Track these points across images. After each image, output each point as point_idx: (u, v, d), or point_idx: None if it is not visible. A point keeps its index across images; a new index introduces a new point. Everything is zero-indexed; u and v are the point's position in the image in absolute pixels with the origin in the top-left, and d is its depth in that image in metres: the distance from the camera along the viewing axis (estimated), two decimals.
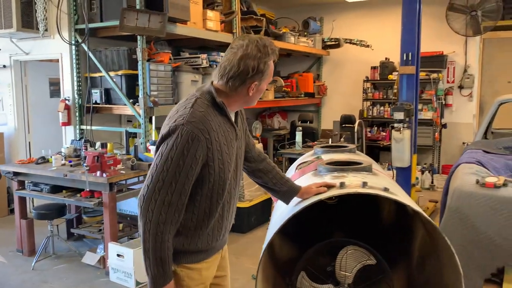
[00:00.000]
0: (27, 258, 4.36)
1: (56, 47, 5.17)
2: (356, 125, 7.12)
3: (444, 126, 7.50)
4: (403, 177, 5.29)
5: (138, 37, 4.54)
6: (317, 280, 2.45)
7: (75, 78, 5.11)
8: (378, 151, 8.20)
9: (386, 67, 7.63)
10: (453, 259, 2.07)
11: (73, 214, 4.83)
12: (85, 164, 3.76)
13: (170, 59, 5.12)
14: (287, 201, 2.22)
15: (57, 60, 5.28)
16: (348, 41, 8.04)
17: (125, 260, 3.72)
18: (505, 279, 2.90)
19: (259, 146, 5.62)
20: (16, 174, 4.35)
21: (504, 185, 2.96)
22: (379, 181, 2.36)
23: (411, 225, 2.72)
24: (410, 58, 5.11)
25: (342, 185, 2.15)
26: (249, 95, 1.78)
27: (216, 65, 5.80)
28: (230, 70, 1.73)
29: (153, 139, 4.78)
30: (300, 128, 5.75)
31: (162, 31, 4.52)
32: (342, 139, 5.83)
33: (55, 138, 5.56)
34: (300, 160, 3.46)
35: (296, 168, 3.03)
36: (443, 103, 7.48)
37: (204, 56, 5.42)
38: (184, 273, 1.82)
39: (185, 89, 5.25)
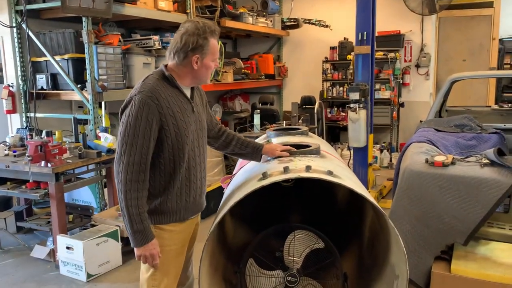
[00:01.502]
0: None
1: None
2: (316, 106, 7.10)
3: (402, 105, 7.58)
4: (360, 156, 5.33)
5: (83, 19, 4.30)
6: (267, 267, 2.41)
7: (18, 63, 4.82)
8: (338, 131, 8.24)
9: (345, 47, 7.60)
10: (397, 241, 2.05)
11: (21, 206, 4.61)
12: (27, 154, 3.56)
13: (120, 41, 4.90)
14: (257, 160, 2.49)
15: None
16: (307, 21, 7.96)
17: (75, 253, 3.57)
18: (454, 255, 2.95)
19: None
20: None
21: (452, 163, 2.99)
22: (325, 164, 2.32)
23: (362, 207, 2.72)
24: (365, 38, 5.09)
25: (285, 169, 2.09)
26: (194, 68, 2.04)
27: None
28: (174, 46, 2.03)
29: (104, 125, 4.59)
30: (258, 110, 5.67)
31: (108, 12, 4.31)
32: (300, 121, 5.79)
33: (1, 127, 5.27)
34: None
35: None
36: (401, 82, 7.55)
37: (156, 37, 5.22)
38: (156, 233, 2.05)
39: (137, 73, 5.05)
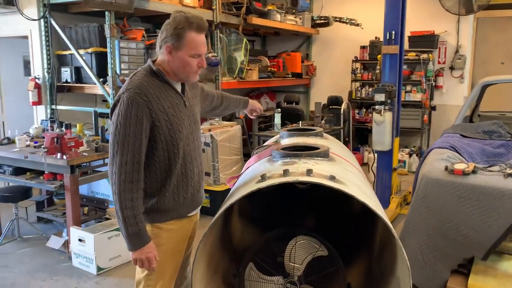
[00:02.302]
0: None
1: (25, 23, 4.96)
2: (342, 106, 6.93)
3: (434, 108, 7.30)
4: (384, 160, 5.15)
5: (106, 13, 4.33)
6: (267, 272, 2.32)
7: (44, 56, 4.91)
8: (366, 134, 8.02)
9: (375, 46, 7.38)
10: (401, 254, 1.92)
11: (42, 196, 4.71)
12: (43, 146, 3.60)
13: (144, 36, 4.91)
14: (241, 108, 2.77)
15: (27, 37, 5.08)
16: (338, 19, 7.78)
17: (86, 245, 3.60)
18: (473, 270, 2.78)
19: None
20: None
21: (474, 172, 2.81)
22: (331, 168, 2.21)
23: (375, 215, 2.58)
24: (393, 37, 4.90)
25: (285, 172, 1.99)
26: (169, 60, 1.96)
27: None
28: (158, 38, 2.00)
29: None
30: (279, 109, 5.57)
31: (130, 7, 4.32)
32: (323, 121, 5.65)
33: (29, 118, 5.40)
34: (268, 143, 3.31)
35: (252, 154, 2.87)
36: (433, 84, 7.26)
37: None
38: (154, 232, 2.02)
39: None
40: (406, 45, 7.23)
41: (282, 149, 2.56)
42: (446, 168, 2.87)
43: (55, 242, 4.05)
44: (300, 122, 4.58)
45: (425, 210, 2.91)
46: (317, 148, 2.50)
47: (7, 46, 5.79)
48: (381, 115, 4.87)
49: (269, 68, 7.23)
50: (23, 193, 4.19)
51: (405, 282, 1.96)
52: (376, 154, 5.24)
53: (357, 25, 7.58)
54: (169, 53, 1.95)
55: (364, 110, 7.87)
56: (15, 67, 6.03)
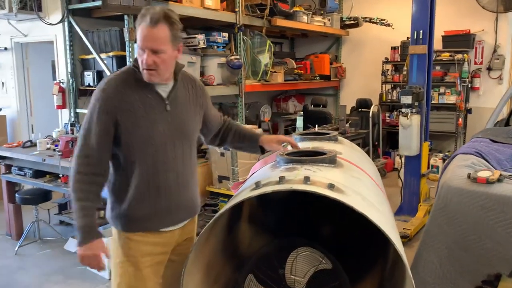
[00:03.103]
0: (14, 242, 4.34)
1: (51, 28, 5.06)
2: (371, 109, 6.70)
3: (469, 111, 6.93)
4: (412, 166, 4.92)
5: (125, 17, 4.34)
6: (267, 284, 2.20)
7: (68, 60, 4.98)
8: (397, 138, 7.69)
9: (407, 47, 7.04)
10: (406, 272, 1.76)
11: (65, 199, 4.76)
12: (58, 149, 3.63)
13: None
14: (258, 152, 2.34)
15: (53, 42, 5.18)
16: (368, 20, 7.54)
17: None
18: (500, 287, 2.55)
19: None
20: (2, 158, 4.31)
21: (499, 180, 2.57)
22: (334, 175, 2.06)
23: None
24: (421, 37, 4.68)
25: (281, 179, 1.87)
26: None
27: (216, 46, 5.57)
28: None
29: None
30: (301, 112, 5.43)
31: None
32: (347, 125, 5.46)
33: (56, 122, 5.51)
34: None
35: (259, 158, 2.76)
36: (469, 86, 6.90)
37: (201, 36, 5.15)
38: (122, 240, 1.90)
39: (182, 71, 5.02)
40: (439, 45, 6.94)
41: (287, 154, 2.44)
42: (469, 176, 2.65)
43: (72, 245, 4.07)
44: (316, 126, 4.41)
45: (445, 221, 2.69)
46: (324, 154, 2.36)
47: (36, 51, 5.94)
48: (407, 118, 4.65)
49: (296, 71, 7.08)
50: (43, 196, 4.25)
51: None
52: (403, 159, 5.01)
53: (388, 25, 7.32)
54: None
55: (395, 113, 7.57)
56: (44, 71, 6.18)
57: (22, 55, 5.74)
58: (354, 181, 2.17)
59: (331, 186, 1.82)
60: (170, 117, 1.90)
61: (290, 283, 2.14)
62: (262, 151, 2.29)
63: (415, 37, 4.71)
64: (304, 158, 2.27)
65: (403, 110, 4.70)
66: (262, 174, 2.22)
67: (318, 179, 1.90)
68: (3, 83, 5.90)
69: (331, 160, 2.27)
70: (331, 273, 2.12)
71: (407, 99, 4.60)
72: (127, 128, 1.81)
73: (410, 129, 4.66)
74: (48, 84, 6.13)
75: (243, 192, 1.94)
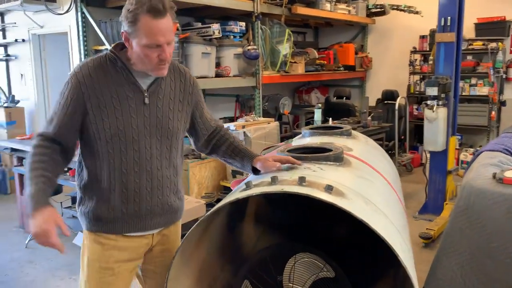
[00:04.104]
0: (26, 235, 4.31)
1: (65, 19, 5.00)
2: (397, 101, 6.38)
3: (503, 103, 6.52)
4: (438, 162, 4.62)
5: None
6: None
7: (82, 51, 4.91)
8: None
9: (432, 52, 6.72)
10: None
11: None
12: None
13: (178, 29, 4.75)
14: (249, 171, 2.01)
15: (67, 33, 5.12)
16: (395, 7, 7.20)
17: None
18: None
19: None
20: (14, 150, 4.28)
21: None
22: (336, 175, 1.86)
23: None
24: (449, 24, 4.35)
25: (273, 180, 1.68)
26: (128, 48, 1.65)
27: (233, 36, 5.38)
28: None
29: None
30: (320, 105, 5.19)
31: None
32: (369, 118, 5.19)
33: None
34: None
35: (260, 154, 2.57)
36: (503, 76, 6.47)
37: (216, 25, 4.98)
38: (87, 241, 1.77)
39: (196, 62, 4.88)
40: (471, 34, 6.55)
41: (290, 150, 2.25)
42: (494, 176, 2.38)
43: (79, 239, 4.00)
44: (330, 119, 4.19)
45: (467, 225, 2.44)
46: (330, 150, 2.15)
47: (53, 42, 5.91)
48: (433, 111, 4.35)
49: (318, 61, 6.82)
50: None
51: None
52: (428, 155, 4.71)
53: (416, 12, 6.96)
54: (126, 40, 1.63)
55: (424, 105, 7.20)
56: (61, 63, 6.15)
57: (39, 47, 5.72)
58: (360, 182, 1.96)
59: (328, 188, 1.62)
60: (148, 111, 1.70)
61: None
62: (254, 171, 1.96)
63: (442, 24, 4.37)
64: (306, 155, 2.07)
65: (429, 102, 4.41)
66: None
67: (316, 180, 1.70)
68: (22, 75, 5.91)
69: (336, 158, 2.07)
70: (333, 282, 1.92)
71: (432, 91, 4.31)
72: (95, 118, 1.64)
73: (436, 122, 4.36)
74: (65, 76, 6.10)
75: (233, 194, 1.76)
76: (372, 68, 7.97)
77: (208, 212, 1.67)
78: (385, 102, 7.00)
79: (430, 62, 5.83)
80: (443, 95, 4.34)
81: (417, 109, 7.28)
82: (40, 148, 1.63)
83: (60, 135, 1.65)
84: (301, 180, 1.65)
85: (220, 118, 6.17)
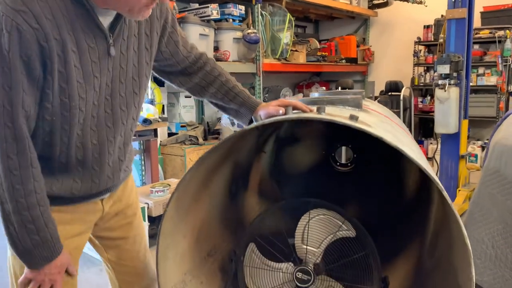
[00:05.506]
0: None
1: None
2: (402, 92, 6.14)
3: None
4: (450, 146, 4.35)
5: None
6: (273, 256, 1.74)
7: None
8: (431, 125, 7.11)
9: (441, 25, 6.48)
10: (460, 232, 1.27)
11: None
12: None
13: (174, 8, 4.52)
14: (245, 122, 1.62)
15: None
16: None
17: None
18: None
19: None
20: None
21: None
22: (359, 115, 1.60)
23: (430, 196, 1.92)
24: None
25: (288, 112, 1.42)
26: None
27: (232, 20, 5.15)
28: None
29: (150, 98, 4.24)
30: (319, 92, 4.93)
31: None
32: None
33: None
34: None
35: None
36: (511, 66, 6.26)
37: (215, 5, 4.75)
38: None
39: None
40: (478, 23, 6.34)
41: (302, 101, 1.99)
42: None
43: None
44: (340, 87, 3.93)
45: (499, 189, 2.18)
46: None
47: None
48: (445, 91, 4.11)
49: (319, 52, 6.60)
50: None
51: (465, 273, 1.31)
52: (439, 139, 4.46)
53: (420, 2, 6.76)
54: None
55: (429, 98, 6.99)
56: None
57: None
58: (384, 124, 1.69)
59: (353, 118, 1.35)
60: (111, 64, 1.26)
61: (302, 255, 1.67)
62: (251, 122, 1.61)
63: (453, 0, 4.15)
64: (321, 99, 1.82)
65: (440, 82, 4.16)
66: None
67: (336, 113, 1.44)
68: None
69: (356, 103, 1.81)
70: (354, 242, 1.64)
71: (444, 69, 4.07)
72: (53, 84, 1.14)
73: (448, 103, 4.11)
74: None
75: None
76: (374, 62, 7.75)
77: (212, 147, 1.40)
78: (389, 93, 6.77)
79: (441, 40, 5.52)
80: (455, 74, 4.10)
81: (421, 101, 7.05)
82: (23, 170, 1.17)
83: (29, 132, 1.17)
84: (320, 110, 1.39)
85: None
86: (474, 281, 1.23)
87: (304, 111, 1.48)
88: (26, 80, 1.09)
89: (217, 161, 1.67)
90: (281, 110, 1.47)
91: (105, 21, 1.21)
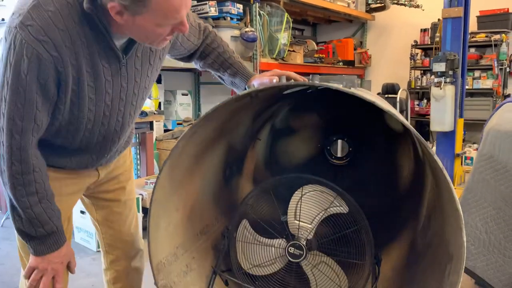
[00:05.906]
0: (2, 215, 4.00)
1: None
2: (398, 94, 6.17)
3: (508, 97, 6.32)
4: (445, 144, 4.36)
5: None
6: (265, 232, 1.74)
7: None
8: (428, 128, 7.13)
9: (438, 29, 6.56)
10: (451, 196, 1.27)
11: None
12: None
13: None
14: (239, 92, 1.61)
15: None
16: (395, 1, 7.05)
17: (87, 217, 3.18)
18: None
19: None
20: None
21: None
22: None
23: (424, 180, 1.93)
24: None
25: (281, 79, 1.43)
26: (114, 19, 1.13)
27: (230, 18, 5.18)
28: None
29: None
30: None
31: None
32: None
33: None
34: None
35: None
36: (507, 70, 6.30)
37: (213, 3, 4.78)
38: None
39: None
40: (474, 27, 6.39)
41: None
42: None
43: None
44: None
45: (492, 175, 2.19)
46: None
47: None
48: (440, 89, 4.12)
49: (317, 54, 6.63)
50: None
51: (456, 242, 1.31)
52: (435, 143, 4.48)
53: (417, 6, 6.81)
54: (117, 13, 1.10)
55: (425, 100, 7.02)
56: None
57: None
58: (377, 98, 1.70)
59: (347, 85, 1.36)
60: (123, 82, 1.31)
61: (294, 231, 1.67)
62: None
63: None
64: (314, 74, 1.82)
65: (436, 79, 4.17)
66: None
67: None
68: None
69: (351, 82, 1.81)
70: (346, 218, 1.64)
71: (440, 67, 4.08)
72: (65, 102, 1.21)
73: (443, 100, 4.13)
74: None
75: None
76: (371, 65, 7.80)
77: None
78: (386, 96, 6.80)
79: (437, 39, 5.49)
80: (450, 72, 4.12)
81: (418, 104, 7.08)
82: (26, 175, 1.24)
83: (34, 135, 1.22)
84: (314, 78, 1.40)
85: None
86: (465, 246, 1.23)
87: (297, 79, 1.51)
88: (41, 99, 1.15)
89: (210, 137, 1.67)
90: (275, 79, 1.48)
91: (120, 42, 1.26)
